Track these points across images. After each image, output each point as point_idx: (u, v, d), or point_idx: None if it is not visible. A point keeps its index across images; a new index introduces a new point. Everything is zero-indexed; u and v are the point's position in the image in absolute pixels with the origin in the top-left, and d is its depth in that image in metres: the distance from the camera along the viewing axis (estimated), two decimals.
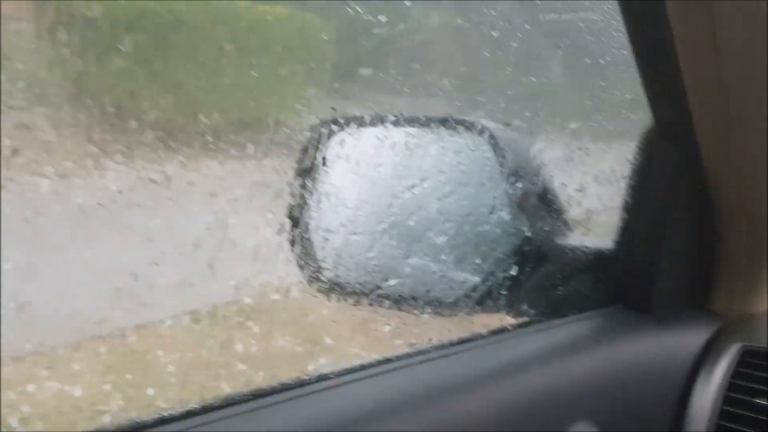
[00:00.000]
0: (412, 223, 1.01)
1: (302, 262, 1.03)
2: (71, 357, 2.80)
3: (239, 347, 3.08)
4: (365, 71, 8.52)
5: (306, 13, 6.85)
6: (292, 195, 1.05)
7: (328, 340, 3.21)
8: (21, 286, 3.33)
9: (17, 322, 2.98)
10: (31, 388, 2.64)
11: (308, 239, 1.02)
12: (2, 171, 4.75)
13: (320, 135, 1.07)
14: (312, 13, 6.98)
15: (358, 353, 3.29)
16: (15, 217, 4.20)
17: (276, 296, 3.66)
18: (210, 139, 5.93)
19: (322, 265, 1.02)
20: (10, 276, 3.40)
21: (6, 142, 5.06)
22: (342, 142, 1.08)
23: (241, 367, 2.98)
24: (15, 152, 5.01)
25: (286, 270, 3.87)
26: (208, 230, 4.39)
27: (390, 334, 3.19)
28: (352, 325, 3.35)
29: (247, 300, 3.50)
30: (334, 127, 1.08)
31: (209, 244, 4.22)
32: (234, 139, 6.08)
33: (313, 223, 1.03)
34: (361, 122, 1.11)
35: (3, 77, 5.96)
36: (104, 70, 5.48)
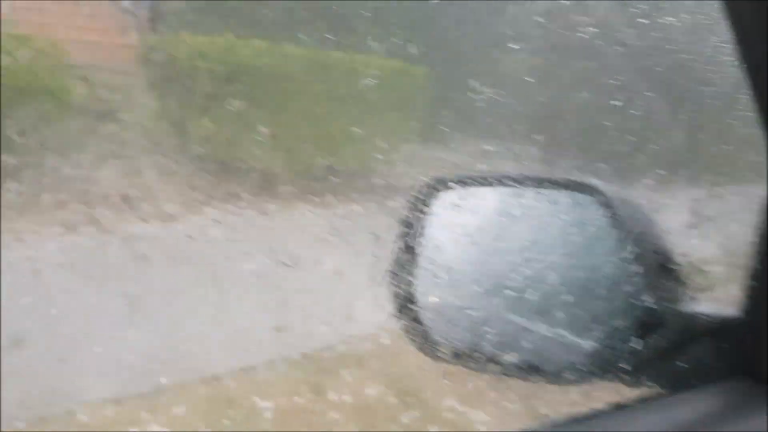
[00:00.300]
0: (525, 289, 0.97)
1: (410, 328, 1.00)
2: (172, 400, 2.88)
3: (333, 395, 3.08)
4: (456, 118, 8.57)
5: (399, 61, 6.97)
6: (397, 258, 1.03)
7: (420, 392, 3.18)
8: (126, 328, 3.49)
9: (115, 364, 3.11)
10: (133, 429, 2.72)
11: (415, 304, 0.99)
12: (114, 215, 5.02)
13: (427, 194, 1.04)
14: (403, 60, 7.10)
15: (452, 407, 3.25)
16: (125, 258, 4.43)
17: (368, 345, 3.67)
18: (306, 185, 6.08)
19: (431, 333, 0.99)
20: (119, 317, 3.57)
21: (115, 188, 5.36)
22: (449, 203, 1.05)
23: (334, 416, 2.98)
24: (124, 198, 5.31)
25: (379, 320, 3.87)
26: (302, 277, 4.48)
27: (489, 392, 3.14)
28: (442, 376, 3.31)
29: (341, 348, 3.52)
30: (441, 187, 1.05)
31: (304, 290, 4.30)
32: (329, 185, 6.20)
33: (419, 288, 1.00)
34: (469, 181, 1.08)
35: (114, 127, 6.33)
36: (205, 120, 5.76)
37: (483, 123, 9.54)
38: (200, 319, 3.67)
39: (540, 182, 1.04)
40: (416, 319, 0.99)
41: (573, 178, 1.03)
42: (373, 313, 3.95)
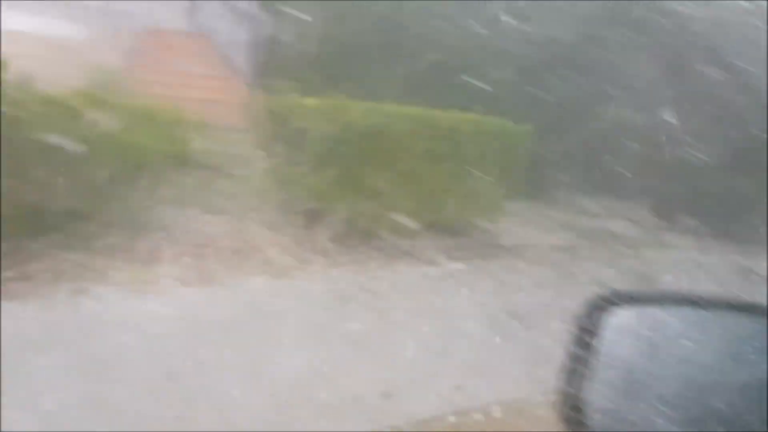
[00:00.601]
0: (704, 415, 0.91)
1: None
2: None
3: None
4: (561, 176, 8.40)
5: (500, 119, 6.95)
6: (569, 366, 0.98)
7: None
8: (232, 385, 3.52)
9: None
10: None
11: (584, 414, 0.95)
12: (223, 270, 5.15)
13: (595, 310, 1.01)
14: (507, 117, 7.07)
15: None
16: (233, 312, 4.53)
17: (479, 417, 3.55)
18: (410, 242, 6.08)
19: None
20: (226, 371, 3.61)
21: (226, 242, 5.51)
22: (619, 318, 1.02)
23: None
24: (233, 253, 5.45)
25: (489, 392, 3.74)
26: (404, 339, 4.43)
27: None
28: None
29: (451, 419, 3.42)
30: (612, 301, 1.02)
31: (409, 353, 4.24)
32: (431, 244, 6.17)
33: (589, 398, 0.96)
34: (637, 299, 1.06)
35: (226, 183, 6.56)
36: (313, 178, 5.90)
37: (589, 180, 9.37)
38: (305, 379, 3.66)
39: (709, 302, 1.01)
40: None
41: (745, 299, 1.00)
42: (481, 383, 3.85)
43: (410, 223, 5.94)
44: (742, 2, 9.19)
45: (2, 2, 9.44)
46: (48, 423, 2.94)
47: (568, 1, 9.45)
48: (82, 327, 3.94)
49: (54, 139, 4.86)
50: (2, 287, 4.23)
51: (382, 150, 5.87)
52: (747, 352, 0.98)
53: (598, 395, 0.97)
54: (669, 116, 8.96)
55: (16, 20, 9.37)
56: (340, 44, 9.01)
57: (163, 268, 4.95)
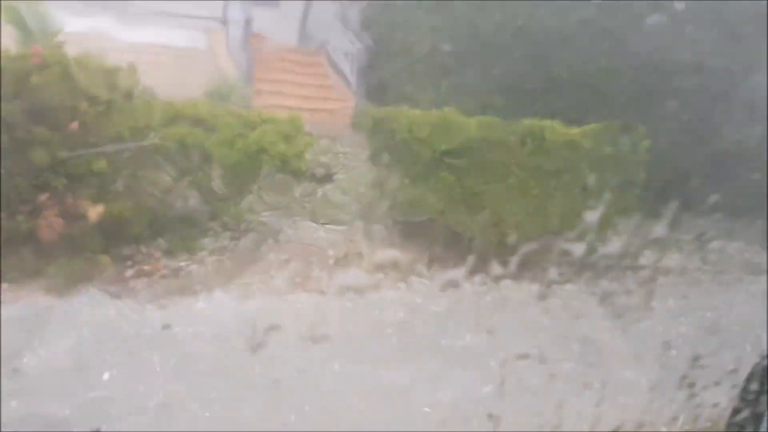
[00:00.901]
0: None
1: None
2: None
3: None
4: (678, 192, 7.96)
5: (617, 132, 6.63)
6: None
7: None
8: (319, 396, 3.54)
9: None
10: None
11: None
12: (328, 276, 5.22)
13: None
14: (623, 132, 6.73)
15: None
16: (336, 319, 4.57)
17: None
18: (516, 259, 5.93)
19: None
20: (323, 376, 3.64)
21: (330, 251, 5.57)
22: None
23: None
24: (337, 261, 5.50)
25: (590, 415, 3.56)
26: (509, 359, 4.30)
27: None
28: None
29: None
30: None
31: (514, 374, 4.12)
32: (540, 260, 6.00)
33: None
34: None
35: (332, 191, 6.65)
36: (418, 189, 5.88)
37: (707, 199, 8.79)
38: (408, 394, 3.63)
39: None
40: None
41: None
42: (585, 407, 3.67)
43: (515, 237, 5.80)
44: None
45: (127, 17, 10.07)
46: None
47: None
48: (190, 327, 4.08)
49: (175, 146, 5.10)
50: (124, 285, 4.47)
51: (490, 163, 5.76)
52: None
53: None
54: None
55: (140, 33, 9.95)
56: (448, 54, 8.96)
57: (269, 273, 5.06)
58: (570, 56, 8.03)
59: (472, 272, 5.75)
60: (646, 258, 6.95)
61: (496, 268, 5.81)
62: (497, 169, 5.72)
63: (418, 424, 3.38)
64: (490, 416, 3.43)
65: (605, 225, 6.45)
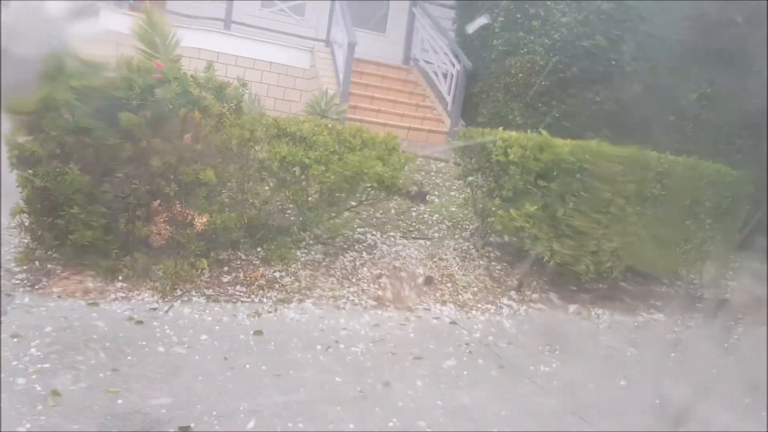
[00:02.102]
0: None
1: None
2: None
3: None
4: None
5: (719, 164, 6.36)
6: None
7: None
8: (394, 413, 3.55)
9: None
10: None
11: None
12: (415, 296, 5.25)
13: None
14: (721, 164, 6.44)
15: None
16: (422, 337, 4.60)
17: None
18: (607, 287, 5.78)
19: None
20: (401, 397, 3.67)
21: (419, 269, 5.62)
22: None
23: None
24: (428, 280, 5.54)
25: None
26: (594, 390, 4.20)
27: None
28: None
29: None
30: None
31: (596, 406, 4.01)
32: (630, 290, 5.81)
33: None
34: None
35: (424, 209, 6.70)
36: (511, 212, 5.83)
37: None
38: (484, 415, 3.61)
39: None
40: None
41: None
42: None
43: (610, 266, 5.66)
44: None
45: (234, 33, 10.58)
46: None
47: None
48: (281, 335, 4.22)
49: (277, 161, 5.32)
50: (221, 290, 4.70)
51: (586, 189, 5.64)
52: None
53: None
54: None
55: (247, 49, 10.46)
56: (547, 76, 8.89)
57: (361, 287, 5.17)
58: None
59: (560, 298, 5.66)
60: (743, 294, 6.61)
61: (585, 296, 5.70)
62: (592, 195, 5.60)
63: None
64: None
65: (703, 257, 6.17)
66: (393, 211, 6.73)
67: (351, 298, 4.99)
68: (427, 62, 11.24)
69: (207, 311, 4.36)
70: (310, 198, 5.47)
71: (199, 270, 4.72)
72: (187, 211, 4.76)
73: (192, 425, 3.05)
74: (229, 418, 3.17)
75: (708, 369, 4.86)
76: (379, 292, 5.16)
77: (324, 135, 5.44)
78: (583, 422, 3.71)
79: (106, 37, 8.29)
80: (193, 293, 4.55)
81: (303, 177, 5.39)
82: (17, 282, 4.29)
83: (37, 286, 4.28)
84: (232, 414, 3.21)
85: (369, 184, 5.47)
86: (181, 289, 4.53)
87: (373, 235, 6.13)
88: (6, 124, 4.51)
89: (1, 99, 4.29)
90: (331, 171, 5.24)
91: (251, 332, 4.15)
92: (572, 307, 5.62)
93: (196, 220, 4.65)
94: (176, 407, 3.17)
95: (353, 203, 5.86)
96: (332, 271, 5.31)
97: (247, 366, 3.70)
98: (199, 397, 3.29)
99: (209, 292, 4.61)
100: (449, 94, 10.32)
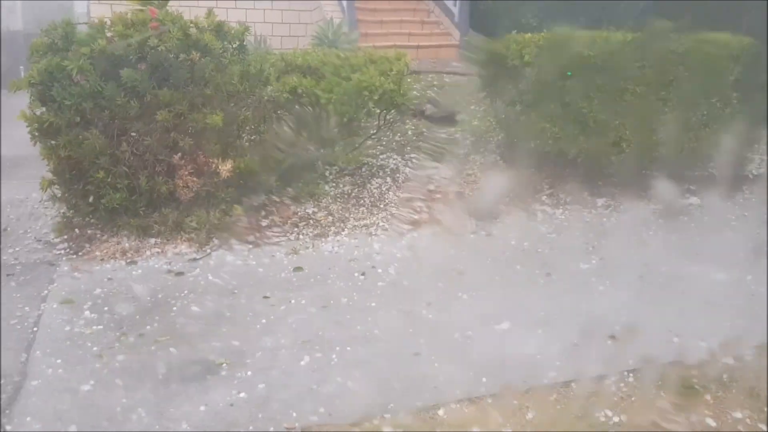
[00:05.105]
0: None
1: None
2: (522, 404, 2.89)
3: (694, 416, 2.81)
4: None
5: (742, 38, 6.06)
6: None
7: None
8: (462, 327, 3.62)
9: (462, 362, 3.21)
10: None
11: None
12: (449, 212, 5.26)
13: None
14: (747, 37, 6.14)
15: None
16: (461, 254, 4.63)
17: (731, 360, 3.28)
18: (634, 179, 5.71)
19: None
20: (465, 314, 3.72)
21: (449, 187, 5.60)
22: None
23: None
24: (456, 195, 5.53)
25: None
26: (632, 282, 4.21)
27: None
28: None
29: (696, 363, 3.21)
30: None
31: (639, 293, 4.03)
32: (659, 179, 5.72)
33: None
34: None
35: (446, 127, 6.63)
36: (532, 116, 5.74)
37: None
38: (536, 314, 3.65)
39: None
40: None
41: None
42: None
43: (636, 158, 5.56)
44: None
45: None
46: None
47: None
48: (320, 269, 4.28)
49: (287, 97, 5.27)
50: (258, 234, 4.76)
51: (608, 81, 5.50)
52: None
53: None
54: None
55: None
56: None
57: (391, 212, 5.18)
58: None
59: (592, 195, 5.61)
60: None
61: (614, 191, 5.64)
62: (615, 87, 5.46)
63: (548, 353, 3.39)
64: (612, 337, 3.42)
65: (729, 136, 6.02)
66: (412, 133, 6.66)
67: (381, 224, 5.01)
68: None
69: (248, 256, 4.44)
70: (325, 133, 5.43)
71: (233, 216, 4.78)
72: (211, 160, 4.79)
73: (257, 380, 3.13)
74: (287, 350, 3.27)
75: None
76: (411, 215, 5.17)
77: (334, 62, 5.35)
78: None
79: None
80: (233, 240, 4.62)
81: (318, 111, 5.34)
82: (60, 252, 4.40)
83: (80, 253, 4.39)
84: (288, 347, 3.30)
85: (374, 100, 5.35)
86: (218, 238, 4.60)
87: (394, 159, 6.10)
88: (16, 101, 4.56)
89: (1, 78, 4.28)
90: (335, 94, 5.18)
91: (292, 269, 4.22)
92: (600, 201, 5.56)
93: (220, 167, 4.68)
94: (228, 351, 3.26)
95: (372, 131, 5.82)
96: (362, 201, 5.33)
97: (292, 301, 3.79)
98: (249, 339, 3.38)
99: (248, 237, 4.67)
100: (455, 5, 10.02)
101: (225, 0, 9.90)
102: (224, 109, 4.62)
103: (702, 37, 5.83)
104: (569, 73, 5.45)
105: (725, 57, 5.86)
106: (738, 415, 2.85)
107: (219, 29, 4.72)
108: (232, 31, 4.82)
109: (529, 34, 5.84)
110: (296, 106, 5.31)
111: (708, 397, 2.97)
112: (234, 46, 4.82)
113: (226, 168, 4.71)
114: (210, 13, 4.83)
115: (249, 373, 3.09)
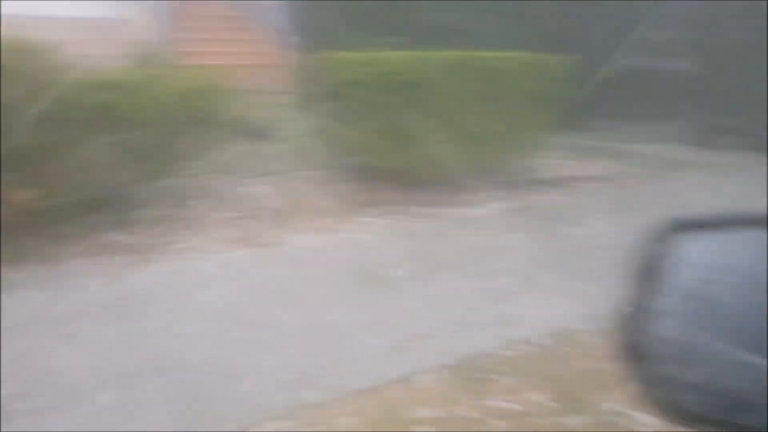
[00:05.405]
0: None
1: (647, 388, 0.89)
2: (337, 411, 2.92)
3: (493, 402, 2.98)
4: (595, 103, 8.08)
5: (540, 55, 6.63)
6: (633, 302, 0.92)
7: (583, 395, 2.98)
8: (288, 341, 3.60)
9: (281, 373, 3.20)
10: None
11: (651, 353, 0.88)
12: (271, 231, 5.23)
13: (665, 236, 0.93)
14: (536, 51, 6.74)
15: (613, 409, 3.03)
16: (281, 270, 4.61)
17: (529, 348, 3.53)
18: (451, 187, 6.02)
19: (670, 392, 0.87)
20: (281, 331, 3.70)
21: (273, 203, 5.57)
22: (686, 248, 0.93)
23: (497, 423, 2.87)
24: (280, 212, 5.51)
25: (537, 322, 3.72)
26: (453, 281, 4.43)
27: None
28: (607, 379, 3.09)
29: (504, 352, 3.41)
30: (681, 228, 0.94)
31: (456, 295, 4.24)
32: (473, 186, 6.09)
33: (659, 336, 0.89)
34: (701, 224, 0.95)
35: (270, 145, 6.60)
36: (355, 132, 5.90)
37: (625, 105, 9.07)
38: (355, 326, 3.72)
39: None
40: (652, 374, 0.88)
41: None
42: (531, 317, 3.81)
43: (451, 168, 5.88)
44: None
45: None
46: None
47: None
48: (141, 295, 4.10)
49: (105, 117, 5.00)
50: (68, 262, 4.45)
51: (422, 97, 5.80)
52: None
53: (664, 326, 0.90)
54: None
55: (51, 7, 9.57)
56: None
57: (212, 234, 5.07)
58: None
59: (409, 204, 5.84)
60: (575, 169, 7.13)
61: (432, 199, 5.92)
62: (428, 102, 5.77)
63: (366, 357, 3.46)
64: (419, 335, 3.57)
65: (533, 143, 6.55)
66: (238, 153, 6.57)
67: (210, 243, 4.88)
68: None
69: (48, 287, 4.12)
70: (146, 153, 5.21)
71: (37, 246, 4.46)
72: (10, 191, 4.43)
73: None
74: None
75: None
76: (231, 234, 5.08)
77: (144, 80, 5.18)
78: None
79: None
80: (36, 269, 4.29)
81: (130, 131, 5.10)
82: None
83: None
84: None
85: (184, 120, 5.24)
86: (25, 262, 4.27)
87: (220, 179, 5.99)
88: None
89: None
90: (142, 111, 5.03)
91: (115, 299, 3.99)
92: (425, 210, 5.81)
93: (13, 197, 4.33)
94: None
95: (190, 151, 5.67)
96: (186, 223, 5.17)
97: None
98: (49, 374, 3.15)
99: (51, 268, 4.35)
100: (283, 24, 10.06)
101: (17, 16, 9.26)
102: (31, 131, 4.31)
103: (508, 56, 6.33)
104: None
105: (526, 74, 6.40)
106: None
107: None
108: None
109: (350, 53, 6.02)
110: (107, 126, 5.04)
111: None
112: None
113: (20, 197, 4.37)
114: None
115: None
